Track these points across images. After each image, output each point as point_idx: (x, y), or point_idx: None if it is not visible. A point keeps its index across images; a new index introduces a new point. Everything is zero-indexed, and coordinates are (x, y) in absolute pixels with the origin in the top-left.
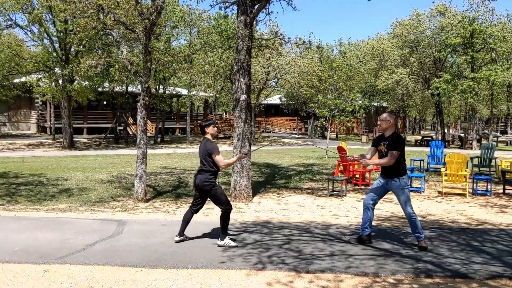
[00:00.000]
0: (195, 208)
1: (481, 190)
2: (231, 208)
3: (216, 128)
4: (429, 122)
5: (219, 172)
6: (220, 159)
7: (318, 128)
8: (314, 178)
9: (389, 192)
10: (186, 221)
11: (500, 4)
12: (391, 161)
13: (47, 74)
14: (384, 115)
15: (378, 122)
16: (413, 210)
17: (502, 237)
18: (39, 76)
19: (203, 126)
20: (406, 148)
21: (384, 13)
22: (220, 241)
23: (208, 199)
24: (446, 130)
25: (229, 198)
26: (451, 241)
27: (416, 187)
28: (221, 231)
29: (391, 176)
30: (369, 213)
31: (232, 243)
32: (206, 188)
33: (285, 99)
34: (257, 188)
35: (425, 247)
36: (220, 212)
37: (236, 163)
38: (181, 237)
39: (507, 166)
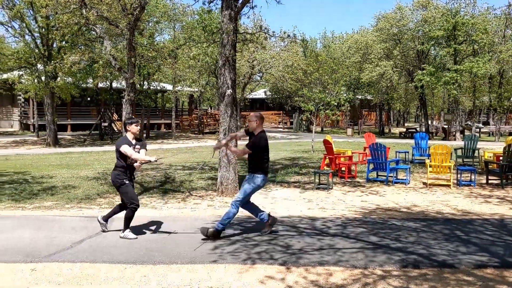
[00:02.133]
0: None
1: (465, 181)
2: (137, 207)
3: (138, 128)
4: (413, 114)
5: (130, 170)
6: (126, 150)
7: (304, 122)
8: (301, 171)
9: (377, 185)
10: (114, 211)
11: None
12: (240, 154)
13: (29, 71)
14: (251, 115)
15: (247, 123)
16: (238, 203)
17: (486, 227)
18: (21, 73)
19: (125, 123)
20: (391, 140)
21: (367, 6)
22: (121, 233)
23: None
24: (429, 122)
25: (216, 193)
26: (436, 232)
27: (401, 179)
28: (124, 224)
29: (251, 170)
30: (249, 208)
31: (132, 235)
32: (115, 185)
33: (270, 93)
34: None
35: (206, 236)
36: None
37: (223, 158)
38: (104, 222)
39: (490, 157)
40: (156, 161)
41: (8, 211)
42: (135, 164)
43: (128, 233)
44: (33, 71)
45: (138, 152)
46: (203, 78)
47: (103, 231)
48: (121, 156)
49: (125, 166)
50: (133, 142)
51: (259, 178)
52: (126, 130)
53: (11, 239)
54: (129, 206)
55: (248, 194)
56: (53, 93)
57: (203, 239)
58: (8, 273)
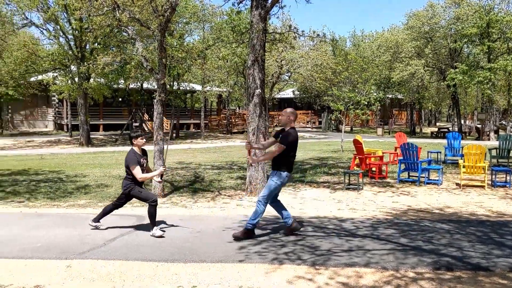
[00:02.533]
0: (118, 202)
1: (500, 182)
2: (156, 201)
3: (144, 141)
4: (445, 114)
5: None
6: (136, 172)
7: (332, 122)
8: (330, 171)
9: (408, 186)
10: (106, 210)
11: None
12: (275, 153)
13: (63, 72)
14: (285, 110)
15: (279, 117)
16: (263, 200)
17: None
18: (55, 74)
19: (131, 137)
20: (422, 140)
21: (398, 4)
22: (150, 231)
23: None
24: (462, 122)
25: (245, 193)
26: (470, 234)
27: (433, 180)
28: (150, 222)
29: (274, 167)
30: (277, 208)
31: (159, 233)
32: (125, 192)
33: (298, 92)
34: None
35: (238, 237)
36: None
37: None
38: (95, 223)
39: None
40: (164, 169)
41: (44, 209)
42: (156, 180)
43: (155, 230)
44: (67, 72)
45: (147, 162)
46: (232, 78)
47: (97, 227)
48: (129, 170)
49: (134, 179)
50: (141, 154)
51: (283, 174)
52: (132, 144)
53: (47, 237)
54: (149, 204)
55: (272, 191)
56: (86, 93)
57: (235, 239)
58: (45, 269)
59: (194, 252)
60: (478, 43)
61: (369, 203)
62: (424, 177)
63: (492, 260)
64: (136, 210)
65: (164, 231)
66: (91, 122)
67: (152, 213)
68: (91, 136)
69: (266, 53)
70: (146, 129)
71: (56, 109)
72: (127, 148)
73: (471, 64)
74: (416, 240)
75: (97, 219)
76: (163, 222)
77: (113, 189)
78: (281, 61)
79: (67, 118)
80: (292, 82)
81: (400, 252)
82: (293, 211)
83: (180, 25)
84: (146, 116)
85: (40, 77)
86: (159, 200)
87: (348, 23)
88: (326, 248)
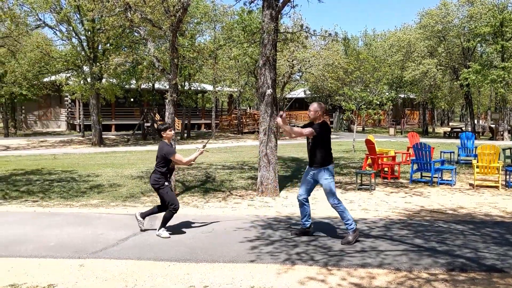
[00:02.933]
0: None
1: None
2: (177, 209)
3: (172, 132)
4: (458, 114)
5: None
6: (179, 158)
7: (344, 121)
8: (342, 172)
9: (421, 186)
10: (152, 211)
11: None
12: (304, 134)
13: (76, 73)
14: (312, 105)
15: (308, 112)
16: (337, 201)
17: None
18: (68, 75)
19: (160, 130)
20: (435, 140)
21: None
22: (157, 230)
23: None
24: (476, 121)
25: (256, 193)
26: (485, 235)
27: (447, 180)
28: (161, 222)
29: (316, 165)
30: (304, 207)
31: (166, 234)
32: (155, 187)
33: (309, 92)
34: (283, 183)
35: (349, 241)
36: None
37: (263, 158)
38: (141, 219)
39: None
40: (204, 147)
41: (57, 208)
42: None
43: (162, 231)
44: (80, 73)
45: None
46: (243, 78)
47: (141, 229)
48: (164, 160)
49: (166, 171)
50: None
51: (330, 168)
52: (162, 137)
53: (60, 236)
54: (169, 208)
55: (333, 189)
56: (98, 94)
57: (346, 244)
58: (58, 269)
59: (206, 252)
60: (492, 42)
61: (382, 204)
62: (437, 177)
63: (507, 261)
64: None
65: (170, 232)
66: (103, 122)
67: (167, 218)
68: (103, 136)
69: (277, 53)
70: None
71: (69, 109)
72: (139, 148)
73: (485, 63)
74: (429, 241)
75: (161, 227)
76: (190, 222)
77: (125, 189)
78: (292, 61)
79: (79, 118)
80: (303, 82)
81: (413, 253)
82: None
83: (191, 25)
84: (157, 116)
85: (53, 78)
86: None
87: (360, 22)
88: (338, 248)
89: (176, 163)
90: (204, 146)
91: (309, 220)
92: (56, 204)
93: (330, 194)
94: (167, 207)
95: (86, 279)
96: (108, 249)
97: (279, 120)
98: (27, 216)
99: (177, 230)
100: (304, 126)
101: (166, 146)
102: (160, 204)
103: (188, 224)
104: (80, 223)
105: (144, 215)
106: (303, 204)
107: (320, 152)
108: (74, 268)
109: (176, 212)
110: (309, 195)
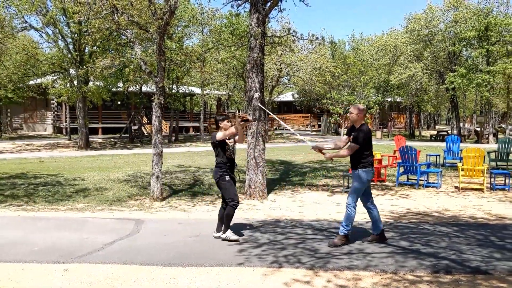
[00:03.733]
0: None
1: (499, 185)
2: (237, 205)
3: (230, 123)
4: (444, 117)
5: (231, 164)
6: (219, 134)
7: (332, 125)
8: (329, 175)
9: (407, 189)
10: (221, 220)
11: None
12: (346, 153)
13: (62, 76)
14: (353, 107)
15: (348, 114)
16: (352, 203)
17: None
18: (54, 78)
19: (217, 120)
20: (421, 144)
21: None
22: (222, 234)
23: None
24: (461, 125)
25: (244, 196)
26: (469, 237)
27: (432, 183)
28: (224, 224)
29: (353, 167)
30: (370, 212)
31: (234, 236)
32: (215, 180)
33: (297, 96)
34: (271, 186)
35: (335, 243)
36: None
37: (251, 161)
38: (218, 234)
39: None
40: (254, 119)
41: (42, 212)
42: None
43: (230, 234)
44: (66, 76)
45: (234, 143)
46: (231, 81)
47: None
48: (221, 148)
49: (225, 160)
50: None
51: (361, 173)
52: (219, 127)
53: (44, 240)
54: (229, 204)
55: (357, 193)
56: (85, 97)
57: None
58: (42, 273)
59: (193, 256)
60: (477, 46)
61: None
62: (423, 180)
63: (491, 263)
64: (134, 213)
65: (237, 235)
66: (90, 125)
67: (230, 216)
68: (90, 139)
69: (265, 57)
70: (144, 132)
71: (55, 113)
72: (126, 152)
73: (470, 67)
74: (415, 243)
75: (226, 230)
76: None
77: (111, 193)
78: (280, 65)
79: (66, 121)
80: (291, 86)
81: (399, 255)
82: (293, 214)
83: (179, 28)
84: (145, 119)
85: (39, 81)
86: (158, 204)
87: (347, 27)
88: (325, 251)
89: (223, 149)
90: (255, 119)
91: (379, 225)
92: (41, 208)
93: (351, 193)
94: (227, 203)
95: (70, 283)
96: (94, 253)
97: (327, 156)
98: (11, 221)
99: (164, 234)
100: (348, 130)
101: (214, 133)
102: (222, 206)
103: (175, 228)
104: (65, 227)
105: (219, 230)
106: (368, 209)
107: (355, 157)
108: (59, 273)
109: (236, 208)
110: (368, 199)
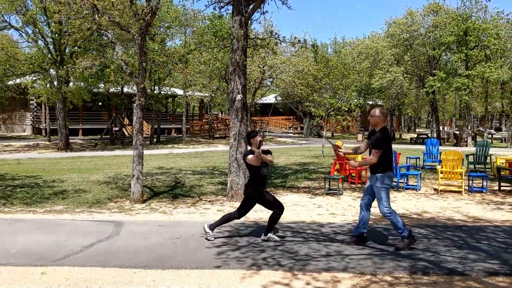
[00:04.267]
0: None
1: (477, 187)
2: (282, 210)
3: (259, 138)
4: (424, 120)
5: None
6: (251, 159)
7: (314, 127)
8: (311, 177)
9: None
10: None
11: (492, 3)
12: (374, 160)
13: (42, 76)
14: (374, 110)
15: (369, 117)
16: (388, 209)
17: (498, 234)
18: (34, 78)
19: (249, 136)
20: (402, 146)
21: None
22: (264, 236)
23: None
24: (441, 128)
25: (226, 198)
26: (447, 239)
27: (412, 185)
28: (267, 226)
29: (372, 171)
30: (362, 212)
31: (276, 238)
32: (257, 198)
33: (280, 98)
34: None
35: (400, 247)
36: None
37: (233, 163)
38: (209, 231)
39: (502, 163)
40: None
41: (20, 214)
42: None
43: (271, 235)
44: (46, 76)
45: (271, 155)
46: (214, 83)
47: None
48: (249, 167)
49: (255, 178)
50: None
51: (379, 177)
52: (250, 144)
53: (22, 243)
54: (274, 211)
55: (386, 196)
56: (65, 97)
57: (397, 250)
58: (19, 277)
59: (173, 259)
60: (456, 51)
61: (349, 208)
62: (403, 182)
63: (468, 264)
64: (114, 216)
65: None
66: (70, 127)
67: (276, 219)
68: (70, 141)
69: (248, 59)
70: (126, 133)
71: (35, 113)
72: (107, 153)
73: (449, 72)
74: (393, 245)
75: (268, 232)
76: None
77: (91, 195)
78: (263, 67)
79: (45, 122)
80: (274, 88)
81: (377, 257)
82: None
83: (161, 29)
84: (126, 121)
85: (18, 81)
86: (138, 206)
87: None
88: (304, 253)
89: (255, 166)
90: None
91: (405, 227)
92: (18, 210)
93: (379, 200)
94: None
95: (48, 287)
96: (72, 256)
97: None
98: None
99: (144, 236)
100: (369, 134)
101: (246, 151)
102: (230, 212)
103: (155, 231)
104: (43, 230)
105: (212, 227)
106: (362, 209)
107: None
108: (36, 276)
109: (282, 213)
110: (369, 201)
